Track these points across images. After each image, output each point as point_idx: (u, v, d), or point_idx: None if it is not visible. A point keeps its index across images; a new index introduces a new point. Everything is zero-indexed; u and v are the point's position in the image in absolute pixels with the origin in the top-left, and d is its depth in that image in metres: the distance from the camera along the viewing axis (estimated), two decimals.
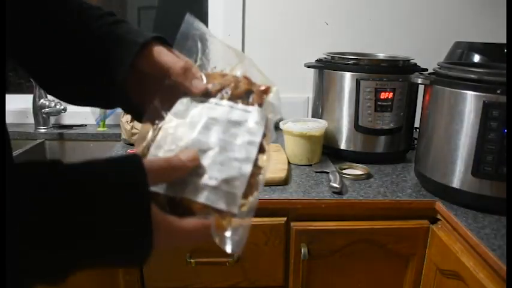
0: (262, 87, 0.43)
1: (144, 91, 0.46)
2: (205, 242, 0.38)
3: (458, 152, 0.84)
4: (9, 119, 1.48)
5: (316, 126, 1.08)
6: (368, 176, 1.03)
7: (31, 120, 1.44)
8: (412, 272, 0.95)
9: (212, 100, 0.42)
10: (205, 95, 0.43)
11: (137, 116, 0.48)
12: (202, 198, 0.38)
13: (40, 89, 1.39)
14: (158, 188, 0.38)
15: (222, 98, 0.42)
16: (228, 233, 0.38)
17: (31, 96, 1.40)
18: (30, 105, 1.41)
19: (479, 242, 0.73)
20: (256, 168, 0.40)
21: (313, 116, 1.26)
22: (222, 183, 0.39)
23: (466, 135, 0.83)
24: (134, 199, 0.34)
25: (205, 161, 0.39)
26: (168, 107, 0.43)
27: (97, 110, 1.43)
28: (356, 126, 1.10)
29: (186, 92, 0.43)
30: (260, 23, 1.44)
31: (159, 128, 0.42)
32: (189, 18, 0.46)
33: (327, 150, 1.16)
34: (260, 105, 0.42)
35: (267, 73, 0.46)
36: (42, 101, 1.39)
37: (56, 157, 1.44)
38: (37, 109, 1.40)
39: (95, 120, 1.45)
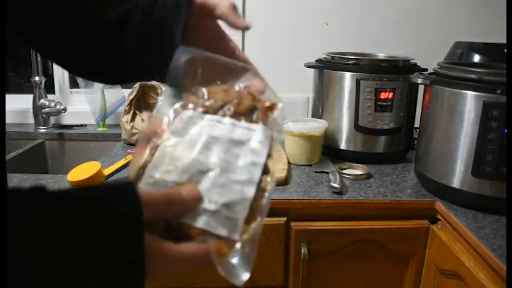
0: (267, 104, 0.40)
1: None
2: (205, 267, 0.37)
3: (458, 152, 0.84)
4: (9, 119, 1.48)
5: (316, 126, 1.09)
6: (368, 176, 1.03)
7: (31, 120, 1.44)
8: (412, 272, 0.95)
9: (214, 117, 0.39)
10: (206, 112, 0.40)
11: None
12: (201, 223, 0.36)
13: (40, 89, 1.39)
14: None
15: (224, 115, 0.40)
16: (229, 261, 0.36)
17: (31, 96, 1.40)
18: (30, 105, 1.41)
19: (479, 242, 0.73)
20: (260, 191, 0.37)
21: (313, 116, 1.26)
22: (223, 207, 0.36)
23: (466, 135, 0.83)
24: (127, 231, 0.33)
25: (205, 183, 0.37)
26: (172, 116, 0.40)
27: (97, 110, 1.43)
28: (356, 126, 1.10)
29: (231, 29, 0.42)
30: (260, 23, 1.44)
31: (157, 147, 0.39)
32: (180, 49, 0.42)
33: (327, 150, 1.16)
34: (264, 123, 0.40)
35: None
36: (42, 101, 1.39)
37: (56, 157, 1.44)
38: (37, 109, 1.40)
39: (95, 120, 1.45)
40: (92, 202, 0.33)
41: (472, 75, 0.81)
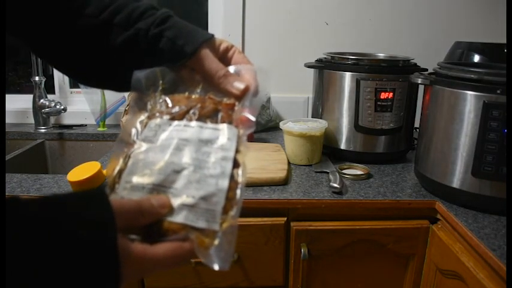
0: (228, 104, 0.43)
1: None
2: (180, 266, 0.37)
3: (458, 152, 0.84)
4: (9, 119, 1.48)
5: (316, 126, 1.09)
6: (368, 176, 1.03)
7: (31, 120, 1.44)
8: (412, 272, 0.95)
9: (181, 122, 0.42)
10: (172, 119, 0.42)
11: None
12: (181, 218, 0.37)
13: (40, 89, 1.39)
14: None
15: (190, 120, 0.42)
16: (212, 251, 0.37)
17: (31, 96, 1.40)
18: (30, 105, 1.41)
19: (479, 242, 0.73)
20: (233, 183, 0.39)
21: (313, 116, 1.26)
22: (200, 200, 0.38)
23: (466, 135, 0.83)
24: (99, 239, 0.33)
25: (181, 181, 0.38)
26: (136, 130, 0.42)
27: (97, 110, 1.43)
28: (356, 126, 1.10)
29: (226, 95, 0.44)
30: (260, 23, 1.44)
31: (129, 156, 0.41)
32: (136, 72, 0.44)
33: (327, 150, 1.16)
34: (229, 121, 0.42)
35: (257, 66, 0.47)
36: (42, 101, 1.39)
37: (56, 157, 1.44)
38: (37, 109, 1.40)
39: (95, 120, 1.45)
40: (64, 213, 0.33)
41: (472, 75, 0.81)
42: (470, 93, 0.81)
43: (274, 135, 1.36)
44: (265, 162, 1.03)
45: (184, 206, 0.38)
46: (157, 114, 0.43)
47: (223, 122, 0.42)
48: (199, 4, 1.53)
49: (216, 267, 0.37)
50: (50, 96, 1.43)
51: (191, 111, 0.42)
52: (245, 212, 0.94)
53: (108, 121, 1.46)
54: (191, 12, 1.60)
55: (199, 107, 0.43)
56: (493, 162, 0.80)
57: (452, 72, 0.86)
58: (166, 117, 0.42)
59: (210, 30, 1.51)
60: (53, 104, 1.39)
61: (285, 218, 0.90)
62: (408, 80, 1.04)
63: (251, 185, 0.93)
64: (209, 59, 0.45)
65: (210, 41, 0.46)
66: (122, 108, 1.45)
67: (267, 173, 0.96)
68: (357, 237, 0.91)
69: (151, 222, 0.37)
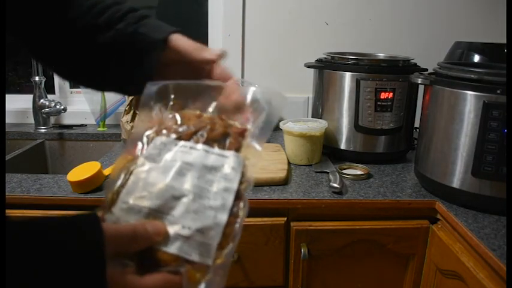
0: (239, 130, 0.42)
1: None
2: None
3: (458, 152, 0.84)
4: (9, 119, 1.48)
5: (316, 126, 1.09)
6: (368, 176, 1.03)
7: (31, 120, 1.44)
8: (412, 272, 0.95)
9: (187, 143, 0.40)
10: (179, 138, 0.41)
11: None
12: (174, 248, 0.36)
13: (40, 89, 1.39)
14: None
15: (197, 141, 0.40)
16: (202, 286, 0.36)
17: (31, 96, 1.40)
18: (30, 105, 1.41)
19: (479, 242, 0.73)
20: (233, 217, 0.38)
21: (313, 116, 1.26)
22: (196, 233, 0.36)
23: (466, 135, 0.83)
24: (89, 265, 0.33)
25: (179, 209, 0.37)
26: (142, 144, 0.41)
27: (97, 110, 1.43)
28: (356, 126, 1.10)
29: (202, 67, 0.46)
30: (260, 23, 1.44)
31: (131, 172, 0.39)
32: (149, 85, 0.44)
33: (327, 150, 1.16)
34: (237, 149, 0.41)
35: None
36: (42, 101, 1.39)
37: (56, 157, 1.44)
38: (37, 109, 1.40)
39: (94, 120, 1.45)
40: (54, 237, 0.33)
41: (472, 75, 0.81)
42: (470, 93, 0.81)
43: (274, 135, 1.36)
44: (265, 162, 1.03)
45: (179, 236, 0.36)
46: (165, 131, 0.41)
47: (230, 148, 0.41)
48: (199, 4, 1.53)
49: None
50: (50, 96, 1.43)
51: (199, 133, 0.41)
52: None
53: (108, 121, 1.46)
54: (191, 13, 1.60)
55: (208, 129, 0.41)
56: (493, 162, 0.80)
57: (452, 72, 0.86)
58: (173, 135, 0.41)
59: (210, 30, 1.51)
60: (53, 104, 1.39)
61: (285, 218, 0.90)
62: (408, 80, 1.04)
63: None
64: (182, 40, 0.48)
65: (181, 33, 0.49)
66: (121, 108, 1.45)
67: (267, 173, 0.96)
68: (357, 237, 0.91)
69: (145, 250, 0.36)
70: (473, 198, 0.84)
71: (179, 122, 0.42)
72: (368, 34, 1.46)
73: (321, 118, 1.17)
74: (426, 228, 0.91)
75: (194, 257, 0.36)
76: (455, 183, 0.86)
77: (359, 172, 1.05)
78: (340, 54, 1.14)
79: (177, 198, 0.37)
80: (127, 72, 0.50)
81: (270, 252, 0.91)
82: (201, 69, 0.48)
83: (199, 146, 0.40)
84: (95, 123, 1.46)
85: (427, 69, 1.09)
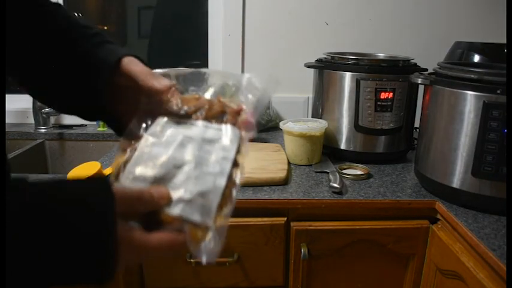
0: (235, 108, 0.45)
1: (124, 106, 0.50)
2: (172, 256, 0.39)
3: (458, 152, 0.84)
4: (9, 119, 1.48)
5: (316, 126, 1.09)
6: (368, 176, 1.03)
7: (31, 120, 1.44)
8: (412, 272, 0.95)
9: (187, 121, 0.44)
10: (180, 117, 0.44)
11: (118, 131, 0.52)
12: (178, 210, 0.39)
13: None
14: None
15: (197, 119, 0.44)
16: (203, 245, 0.39)
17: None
18: (30, 105, 1.41)
19: (479, 242, 0.73)
20: (230, 182, 0.42)
21: (313, 116, 1.26)
22: (197, 196, 0.40)
23: (466, 135, 0.83)
24: (100, 221, 0.35)
25: (181, 176, 0.41)
26: (146, 125, 0.45)
27: None
28: (356, 126, 1.10)
29: (163, 110, 0.45)
30: (260, 23, 1.44)
31: (135, 148, 0.43)
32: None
33: (327, 150, 1.16)
34: (234, 124, 0.44)
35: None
36: None
37: (56, 157, 1.44)
38: (37, 109, 1.40)
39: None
40: (68, 194, 0.36)
41: (472, 75, 0.81)
42: (470, 93, 0.81)
43: (274, 135, 1.36)
44: (265, 162, 1.03)
45: (181, 199, 0.39)
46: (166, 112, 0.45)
47: (227, 123, 0.44)
48: (199, 4, 1.53)
49: (204, 260, 0.39)
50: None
51: (199, 112, 0.45)
52: (245, 212, 0.94)
53: None
54: (191, 13, 1.60)
55: (206, 108, 0.45)
56: (493, 162, 0.80)
57: (452, 72, 0.86)
58: (175, 116, 0.45)
59: (210, 30, 1.51)
60: None
61: (285, 218, 0.90)
62: (408, 80, 1.04)
63: (251, 185, 0.93)
64: (133, 63, 0.48)
65: (134, 57, 0.49)
66: None
67: (267, 173, 0.96)
68: (357, 237, 0.91)
69: (150, 212, 0.39)
70: (473, 198, 0.84)
71: (180, 104, 0.45)
72: (368, 34, 1.46)
73: (321, 118, 1.17)
74: (426, 228, 0.91)
75: (196, 217, 0.39)
76: (455, 183, 0.86)
77: (359, 172, 1.05)
78: (340, 54, 1.14)
79: (179, 167, 0.41)
80: (81, 94, 0.50)
81: (270, 252, 0.91)
82: (153, 96, 0.47)
83: (199, 122, 0.44)
84: (94, 123, 1.46)
85: (427, 69, 1.09)
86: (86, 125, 1.49)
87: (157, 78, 0.47)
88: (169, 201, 0.40)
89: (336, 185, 0.92)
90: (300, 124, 1.11)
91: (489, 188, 0.82)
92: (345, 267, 0.95)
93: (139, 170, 0.41)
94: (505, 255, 0.68)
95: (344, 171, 1.05)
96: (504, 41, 1.13)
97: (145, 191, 0.40)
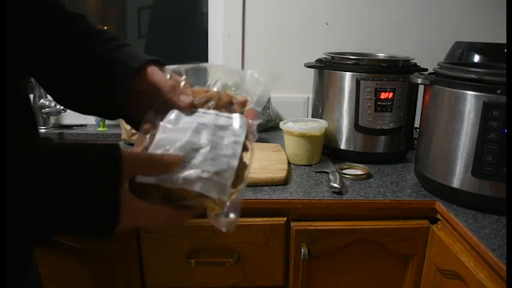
0: (241, 100, 0.51)
1: (142, 106, 0.52)
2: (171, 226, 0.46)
3: (458, 152, 0.84)
4: None
5: (316, 126, 1.09)
6: (368, 176, 1.03)
7: None
8: (412, 272, 0.95)
9: (200, 110, 0.50)
10: (193, 107, 0.50)
11: (136, 127, 0.54)
12: (197, 188, 0.43)
13: (40, 89, 1.39)
14: (155, 180, 0.43)
15: (208, 109, 0.50)
16: (222, 216, 0.44)
17: (31, 96, 1.40)
18: None
19: (479, 242, 0.73)
20: (242, 163, 0.47)
21: (313, 116, 1.26)
22: (214, 175, 0.44)
23: (466, 135, 0.83)
24: (106, 179, 0.38)
25: (198, 158, 0.45)
26: (161, 118, 0.49)
27: None
28: (356, 126, 1.10)
29: (175, 106, 0.50)
30: (260, 23, 1.44)
31: (154, 135, 0.48)
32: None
33: (327, 150, 1.16)
34: (241, 113, 0.50)
35: (268, 69, 0.52)
36: (42, 101, 1.39)
37: None
38: (37, 109, 1.40)
39: (94, 120, 1.45)
40: (80, 153, 0.39)
41: (472, 75, 0.81)
42: (470, 93, 0.81)
43: (274, 135, 1.36)
44: (265, 162, 1.03)
45: (200, 178, 0.44)
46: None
47: (236, 112, 0.50)
48: (199, 4, 1.53)
49: (224, 229, 0.44)
50: (50, 96, 1.43)
51: (209, 102, 0.50)
52: (245, 212, 0.94)
53: (108, 121, 1.46)
54: (191, 13, 1.60)
55: (216, 99, 0.50)
56: (493, 162, 0.80)
57: (452, 72, 0.86)
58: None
59: (210, 30, 1.51)
60: (53, 104, 1.39)
61: (285, 218, 0.90)
62: (408, 80, 1.04)
63: (251, 185, 0.93)
64: (157, 73, 0.51)
65: (156, 62, 0.53)
66: None
67: (267, 173, 0.96)
68: (357, 237, 0.91)
69: (174, 191, 0.43)
70: (473, 198, 0.84)
71: (191, 96, 0.50)
72: (368, 34, 1.46)
73: (321, 118, 1.17)
74: (426, 228, 0.91)
75: (213, 194, 0.44)
76: (455, 183, 0.86)
77: (359, 172, 1.05)
78: (340, 54, 1.14)
79: (196, 150, 0.45)
80: (103, 96, 0.54)
81: (270, 252, 0.91)
82: (173, 104, 0.50)
83: (211, 111, 0.50)
84: (94, 123, 1.46)
85: (427, 69, 1.09)
86: (85, 125, 1.49)
87: (178, 91, 0.50)
88: (179, 167, 0.43)
89: (336, 185, 0.92)
90: (300, 124, 1.11)
91: (489, 188, 0.82)
92: (345, 267, 0.95)
93: (160, 152, 0.45)
94: (505, 255, 0.68)
95: (344, 171, 1.05)
96: (504, 41, 1.13)
97: (157, 155, 0.43)
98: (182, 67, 0.53)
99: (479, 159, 0.81)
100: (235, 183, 0.45)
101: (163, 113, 0.50)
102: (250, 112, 0.50)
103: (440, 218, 0.89)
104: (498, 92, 0.77)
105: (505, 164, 0.78)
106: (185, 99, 0.50)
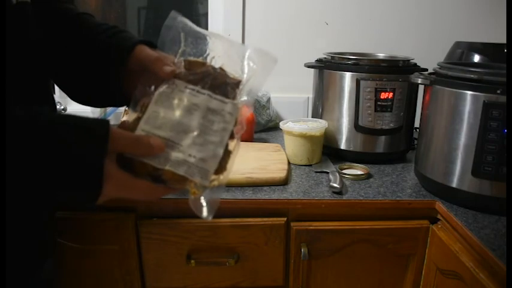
0: (234, 80, 0.52)
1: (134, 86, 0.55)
2: (149, 199, 0.52)
3: (458, 152, 0.84)
4: None
5: (316, 126, 1.09)
6: (368, 176, 1.03)
7: None
8: (412, 272, 0.95)
9: (195, 87, 0.50)
10: (188, 82, 0.51)
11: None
12: (182, 171, 0.46)
13: None
14: (147, 159, 0.46)
15: (203, 87, 0.50)
16: (201, 201, 0.47)
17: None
18: None
19: (479, 242, 0.73)
20: (227, 152, 0.49)
21: (313, 116, 1.26)
22: (199, 161, 0.47)
23: (466, 135, 0.83)
24: (91, 152, 0.41)
25: (187, 140, 0.47)
26: (155, 88, 0.50)
27: (97, 110, 1.43)
28: (356, 126, 1.10)
29: (158, 76, 0.51)
30: (260, 23, 1.44)
31: (146, 106, 0.49)
32: (173, 13, 0.54)
33: (327, 150, 1.16)
34: (234, 98, 0.51)
35: (267, 50, 0.54)
36: None
37: None
38: None
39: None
40: (69, 125, 0.41)
41: (472, 75, 0.81)
42: (470, 93, 0.81)
43: (274, 135, 1.36)
44: (265, 162, 1.03)
45: (186, 161, 0.47)
46: (177, 75, 0.51)
47: (229, 96, 0.50)
48: (199, 4, 1.53)
49: (204, 214, 0.47)
50: None
51: (205, 80, 0.51)
52: (245, 212, 0.94)
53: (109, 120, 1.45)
54: (191, 13, 1.60)
55: (211, 78, 0.51)
56: (493, 162, 0.80)
57: (452, 72, 0.86)
58: (183, 79, 0.51)
59: (210, 30, 1.51)
60: None
61: (285, 218, 0.90)
62: (408, 80, 1.04)
63: (251, 185, 0.93)
64: (145, 50, 0.53)
65: (149, 43, 0.55)
66: (122, 108, 1.45)
67: (267, 173, 0.96)
68: (357, 237, 0.91)
69: (159, 172, 0.46)
70: (473, 198, 0.84)
71: (187, 66, 0.52)
72: (368, 34, 1.46)
73: (321, 118, 1.17)
74: (426, 228, 0.91)
75: (196, 178, 0.47)
76: (455, 183, 0.86)
77: (359, 172, 1.05)
78: (340, 54, 1.14)
79: (186, 132, 0.48)
80: (106, 81, 0.56)
81: (270, 252, 0.91)
82: (155, 75, 0.52)
83: (205, 91, 0.50)
84: None
85: (427, 69, 1.09)
86: None
87: (162, 65, 0.51)
88: (162, 151, 0.46)
89: (336, 185, 0.92)
90: (300, 124, 1.11)
91: (489, 188, 0.82)
92: (345, 267, 0.95)
93: (151, 129, 0.47)
94: (505, 255, 0.68)
95: (344, 171, 1.05)
96: (504, 41, 1.13)
97: (144, 136, 0.46)
98: (181, 33, 0.54)
99: (479, 159, 0.81)
100: (217, 171, 0.48)
101: (155, 85, 0.51)
102: (244, 104, 0.51)
103: (440, 218, 0.89)
104: (498, 92, 0.77)
105: (505, 164, 0.78)
106: (167, 69, 0.50)
